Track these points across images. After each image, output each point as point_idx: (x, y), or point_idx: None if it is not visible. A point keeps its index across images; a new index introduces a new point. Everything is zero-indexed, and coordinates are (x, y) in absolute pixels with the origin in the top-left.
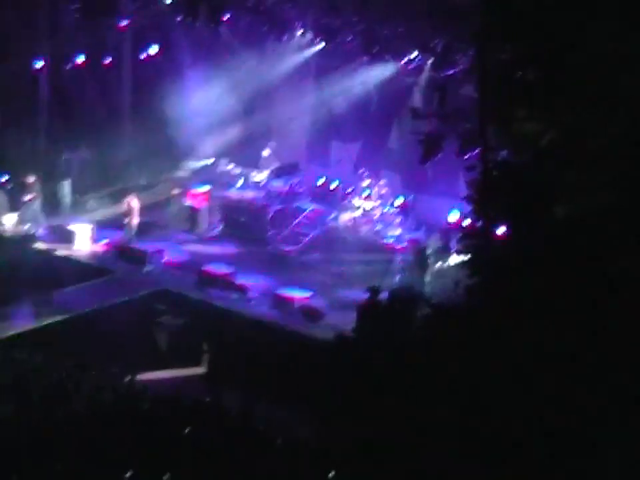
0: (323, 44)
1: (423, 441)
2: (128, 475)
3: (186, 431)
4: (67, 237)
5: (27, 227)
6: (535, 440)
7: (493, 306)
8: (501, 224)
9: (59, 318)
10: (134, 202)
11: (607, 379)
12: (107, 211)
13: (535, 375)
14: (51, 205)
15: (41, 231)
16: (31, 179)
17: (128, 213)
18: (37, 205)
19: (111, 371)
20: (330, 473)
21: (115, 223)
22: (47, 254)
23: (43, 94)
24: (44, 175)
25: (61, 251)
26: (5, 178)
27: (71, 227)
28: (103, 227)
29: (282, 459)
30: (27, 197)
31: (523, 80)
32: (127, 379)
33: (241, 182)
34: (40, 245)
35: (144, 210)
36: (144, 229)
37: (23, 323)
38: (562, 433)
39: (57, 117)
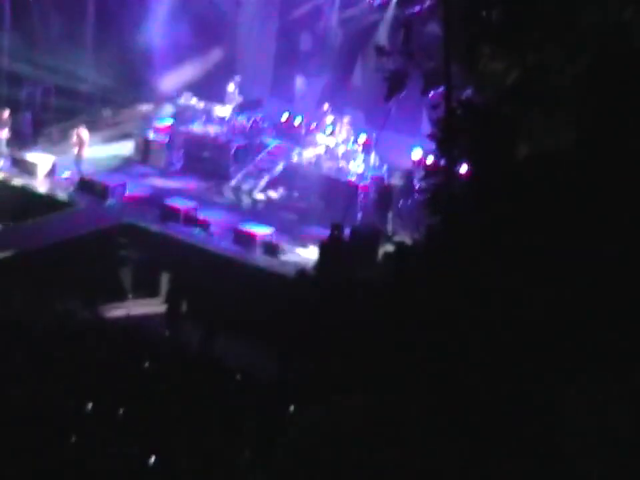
0: None
1: (380, 375)
2: (89, 406)
3: (145, 364)
4: (28, 169)
5: None
6: (493, 374)
7: (453, 244)
8: (464, 163)
9: (18, 250)
10: (83, 133)
11: (559, 315)
12: (69, 144)
13: (491, 311)
14: (13, 137)
15: (2, 163)
16: (4, 112)
17: (77, 144)
18: (2, 137)
19: (72, 304)
20: (289, 407)
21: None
22: (8, 185)
23: (5, 24)
24: (7, 107)
25: (23, 183)
26: None
27: (33, 159)
28: (65, 160)
29: (241, 393)
30: None
31: (488, 18)
32: (88, 311)
33: (203, 117)
34: (2, 177)
35: (108, 143)
36: (105, 162)
37: None
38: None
39: (20, 47)
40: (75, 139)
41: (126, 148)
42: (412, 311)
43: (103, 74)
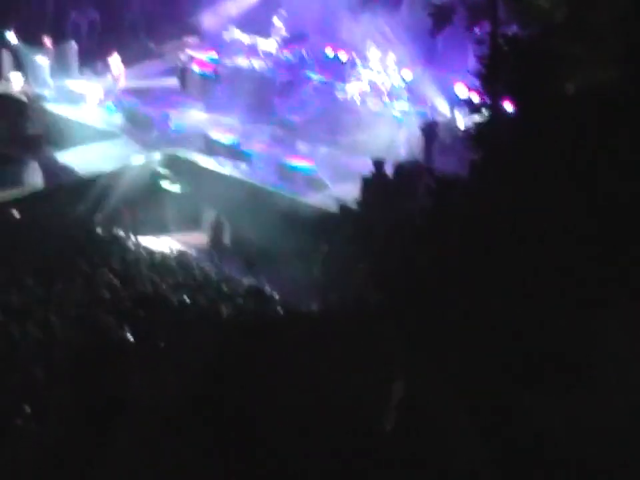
0: None
1: (423, 309)
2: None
3: (188, 299)
4: (74, 99)
5: (34, 87)
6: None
7: (495, 180)
8: (509, 99)
9: (64, 179)
10: (117, 60)
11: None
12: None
13: (533, 251)
14: (59, 66)
15: (48, 92)
16: (48, 40)
17: (116, 74)
18: (46, 65)
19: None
20: (334, 342)
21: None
22: (56, 115)
23: None
24: (52, 35)
25: (68, 112)
26: (11, 36)
27: (79, 89)
28: (110, 90)
29: (287, 329)
30: (39, 58)
31: None
32: (131, 241)
33: (248, 50)
34: (48, 106)
35: (151, 76)
36: (152, 95)
37: (29, 182)
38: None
39: None
40: (113, 68)
41: (170, 80)
42: (450, 247)
43: (147, 5)
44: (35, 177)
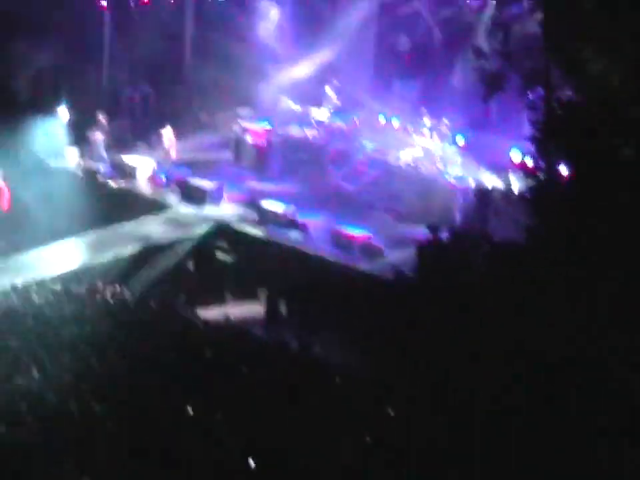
0: None
1: (483, 380)
2: (189, 408)
3: (244, 368)
4: (128, 172)
5: (89, 161)
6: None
7: (554, 247)
8: (564, 164)
9: (121, 251)
10: (169, 133)
11: None
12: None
13: (592, 316)
14: (112, 140)
15: (102, 166)
16: (102, 117)
17: (167, 146)
18: (101, 140)
19: (172, 304)
20: (387, 408)
21: (176, 160)
22: (110, 188)
23: (107, 30)
24: (106, 111)
25: (123, 186)
26: (65, 112)
27: (132, 162)
28: (163, 162)
29: (340, 394)
30: (95, 133)
31: (589, 17)
32: (189, 311)
33: (301, 120)
34: (102, 179)
35: (205, 147)
36: (205, 166)
37: (85, 256)
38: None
39: (120, 53)
40: (165, 141)
41: (223, 151)
42: (513, 311)
43: (201, 78)
44: (93, 249)
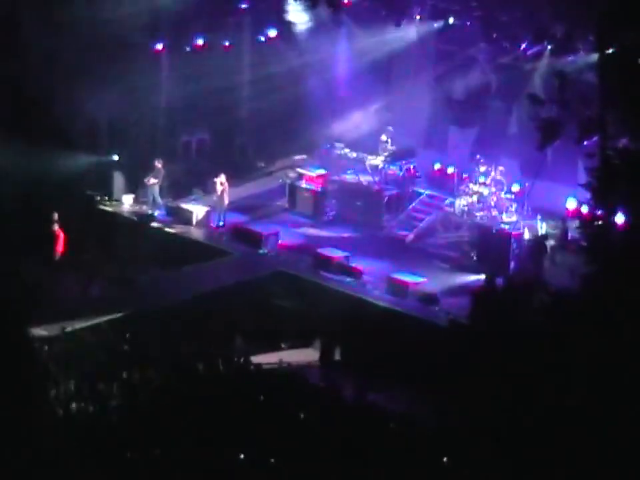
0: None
1: (544, 428)
2: (241, 456)
3: (302, 416)
4: (184, 218)
5: (145, 207)
6: None
7: (611, 295)
8: (621, 212)
9: (178, 298)
10: (222, 179)
11: None
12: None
13: None
14: (168, 186)
15: (158, 212)
16: (159, 163)
17: (220, 192)
18: (157, 186)
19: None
20: (444, 457)
21: (231, 206)
22: (166, 234)
23: (163, 74)
24: (162, 157)
25: (180, 232)
26: (122, 157)
27: (189, 208)
28: (219, 208)
29: (397, 444)
30: (150, 180)
31: None
32: (244, 358)
33: (356, 167)
34: (159, 225)
35: (261, 194)
36: (261, 212)
37: (143, 301)
38: None
39: (177, 98)
40: (217, 187)
41: (280, 197)
42: (571, 362)
43: (257, 123)
44: (143, 297)
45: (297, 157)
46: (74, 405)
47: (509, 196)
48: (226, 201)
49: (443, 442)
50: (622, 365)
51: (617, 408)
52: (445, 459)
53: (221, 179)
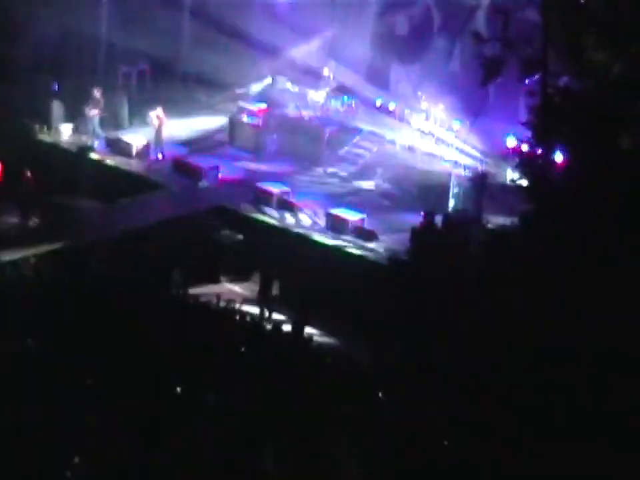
0: None
1: (477, 363)
2: (178, 390)
3: (241, 348)
4: (123, 150)
5: (84, 138)
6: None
7: (549, 233)
8: (560, 151)
9: (114, 231)
10: (160, 113)
11: None
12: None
13: (584, 305)
14: (108, 117)
15: (97, 143)
16: (98, 92)
17: (157, 125)
18: (97, 117)
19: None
20: (378, 393)
21: (171, 139)
22: (103, 165)
23: (102, 5)
24: (103, 88)
25: (119, 164)
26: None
27: (128, 140)
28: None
29: (333, 378)
30: (90, 110)
31: (588, 7)
32: (182, 292)
33: (297, 101)
34: (98, 157)
35: (201, 127)
36: (201, 145)
37: (79, 235)
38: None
39: (116, 28)
40: (154, 120)
41: (220, 131)
42: (506, 299)
43: (198, 57)
44: (80, 229)
45: (239, 91)
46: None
47: (450, 133)
48: (163, 135)
49: (379, 378)
50: (558, 301)
51: (555, 339)
52: (379, 394)
53: (158, 112)
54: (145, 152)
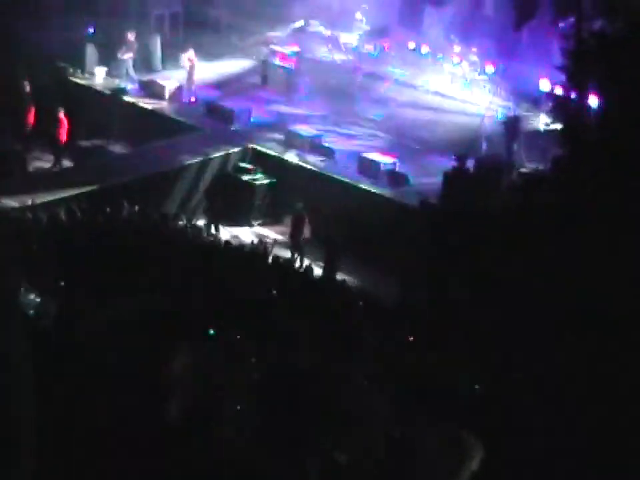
0: None
1: (503, 307)
2: (211, 331)
3: (273, 291)
4: (157, 93)
5: (118, 81)
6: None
7: (583, 176)
8: (594, 95)
9: (147, 172)
10: (191, 55)
11: None
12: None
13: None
14: (142, 60)
15: (131, 86)
16: (131, 35)
17: (189, 68)
18: (131, 60)
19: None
20: (409, 337)
21: (202, 82)
22: (137, 108)
23: None
24: (136, 31)
25: (151, 106)
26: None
27: (161, 82)
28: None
29: (363, 320)
30: (124, 53)
31: None
32: (211, 234)
33: (330, 45)
34: (130, 99)
35: (234, 70)
36: (233, 88)
37: (111, 176)
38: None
39: None
40: (185, 62)
41: (252, 74)
42: (536, 243)
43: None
44: (113, 171)
45: (271, 34)
46: None
47: (483, 76)
48: (194, 77)
49: (409, 321)
50: (587, 248)
51: (580, 284)
52: (410, 337)
53: (190, 54)
54: (177, 94)
